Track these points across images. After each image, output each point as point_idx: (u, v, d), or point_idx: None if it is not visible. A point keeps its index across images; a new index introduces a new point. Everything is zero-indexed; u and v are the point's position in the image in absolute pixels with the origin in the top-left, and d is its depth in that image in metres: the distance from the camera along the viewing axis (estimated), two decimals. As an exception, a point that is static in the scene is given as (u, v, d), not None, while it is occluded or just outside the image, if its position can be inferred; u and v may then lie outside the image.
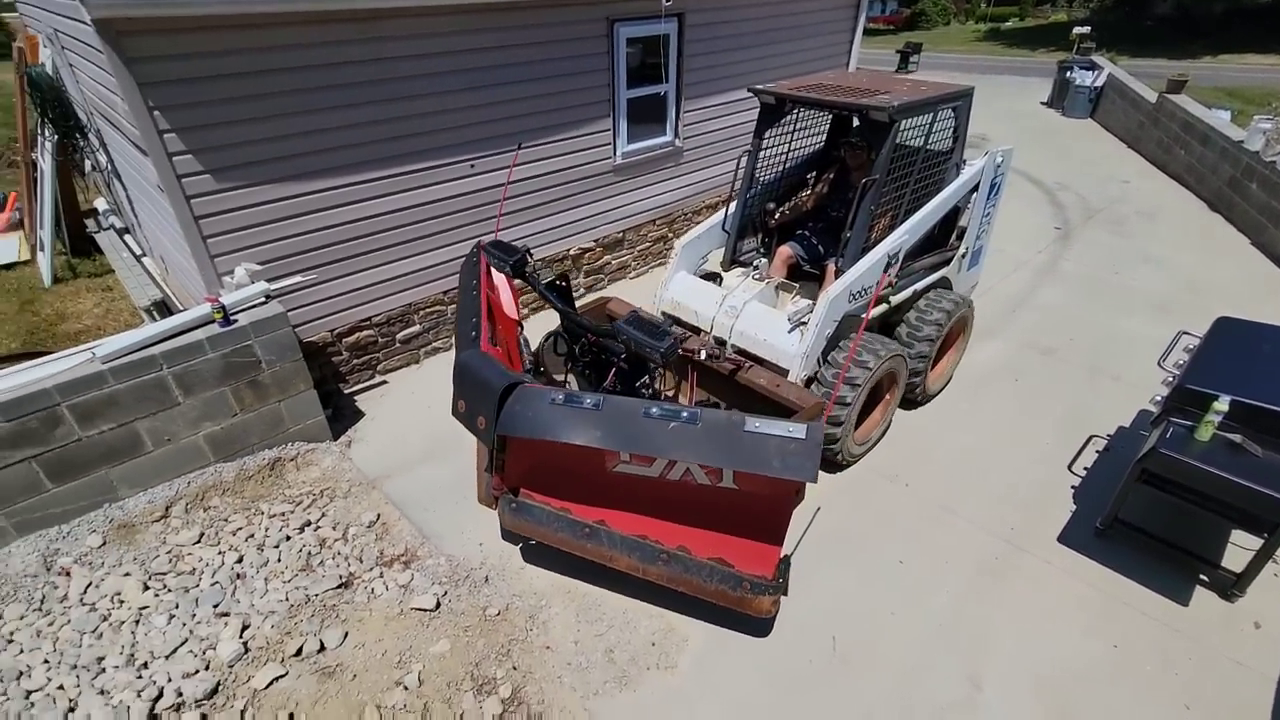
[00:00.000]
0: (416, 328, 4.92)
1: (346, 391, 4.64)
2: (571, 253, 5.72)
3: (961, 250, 4.39)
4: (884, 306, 3.91)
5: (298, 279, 4.00)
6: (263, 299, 3.70)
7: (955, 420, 4.31)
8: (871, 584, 3.18)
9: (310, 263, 4.13)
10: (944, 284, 4.40)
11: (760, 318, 3.73)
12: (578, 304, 4.11)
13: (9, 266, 6.58)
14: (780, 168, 4.41)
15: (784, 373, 3.56)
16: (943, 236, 4.38)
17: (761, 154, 4.21)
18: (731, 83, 6.14)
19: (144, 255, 5.99)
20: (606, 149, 5.48)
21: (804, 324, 3.51)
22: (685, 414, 2.47)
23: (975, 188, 4.21)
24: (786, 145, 4.37)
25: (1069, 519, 3.52)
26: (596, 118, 5.27)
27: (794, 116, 4.26)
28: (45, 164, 6.03)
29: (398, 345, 4.87)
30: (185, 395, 3.47)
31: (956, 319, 4.17)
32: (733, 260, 4.35)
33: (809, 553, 3.31)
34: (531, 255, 3.55)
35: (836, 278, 3.61)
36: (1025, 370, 4.81)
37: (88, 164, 6.05)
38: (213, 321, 3.48)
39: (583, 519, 2.88)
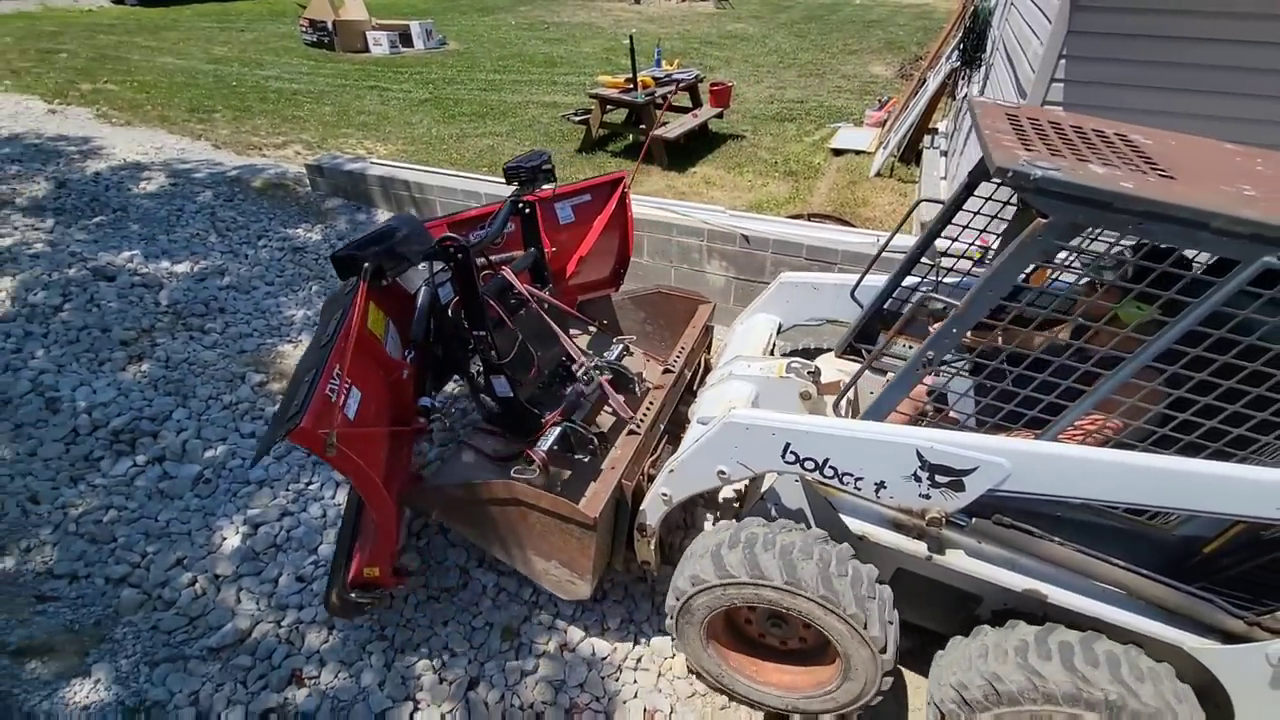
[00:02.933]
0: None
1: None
2: None
3: None
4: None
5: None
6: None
7: None
8: None
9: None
10: (1171, 655, 1.91)
11: (718, 400, 2.63)
12: None
13: (858, 152, 8.44)
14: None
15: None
16: None
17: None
18: None
19: (944, 178, 6.76)
20: None
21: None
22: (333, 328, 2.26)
23: None
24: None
25: None
26: None
27: None
28: (932, 84, 7.19)
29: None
30: (909, 304, 3.97)
31: None
32: (850, 348, 2.94)
33: None
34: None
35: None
36: None
37: (961, 91, 6.91)
38: (973, 259, 3.73)
39: None
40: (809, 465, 2.08)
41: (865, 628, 2.07)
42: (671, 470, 2.35)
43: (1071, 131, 1.93)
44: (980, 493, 1.89)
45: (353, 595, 2.43)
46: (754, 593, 2.16)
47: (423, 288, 2.68)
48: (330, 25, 12.17)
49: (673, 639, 2.53)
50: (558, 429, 2.80)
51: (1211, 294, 1.56)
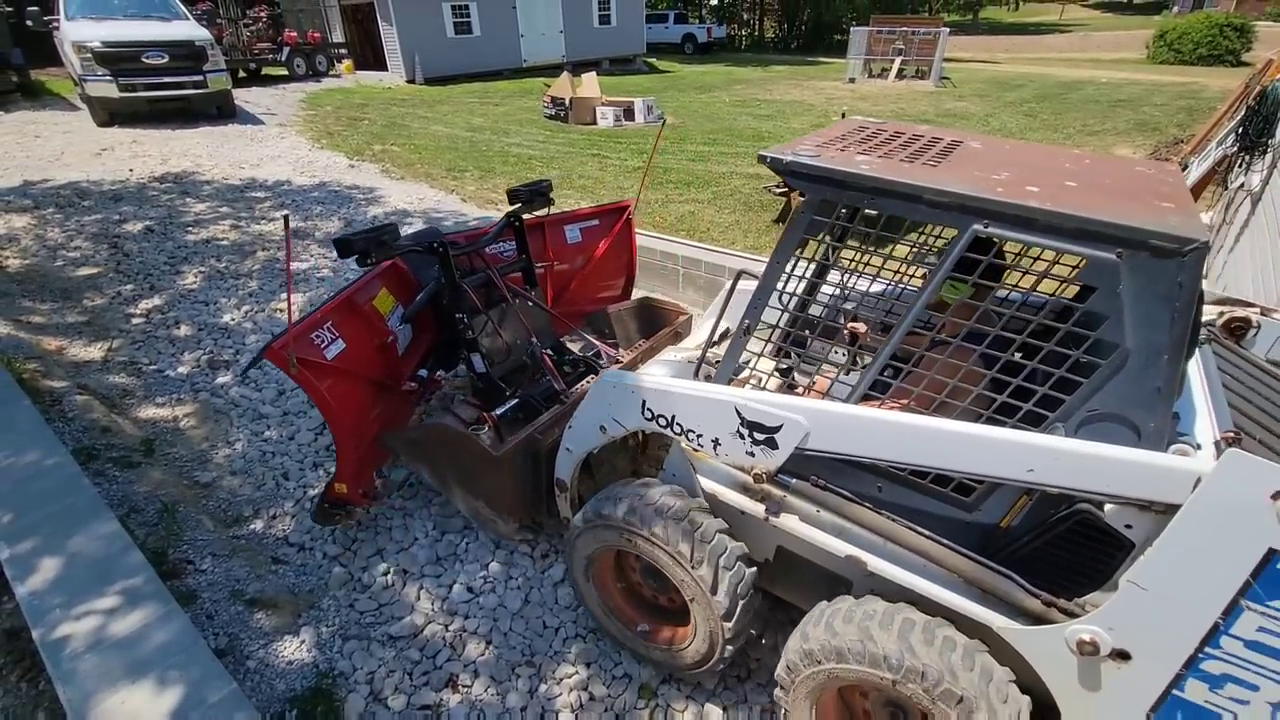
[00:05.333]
0: None
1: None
2: None
3: None
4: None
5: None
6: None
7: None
8: None
9: None
10: (983, 635, 1.96)
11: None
12: None
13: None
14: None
15: None
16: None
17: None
18: None
19: (1204, 276, 5.79)
20: None
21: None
22: None
23: None
24: None
25: None
26: None
27: None
28: (1196, 170, 6.29)
29: None
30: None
31: None
32: (779, 349, 2.67)
33: None
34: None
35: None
36: None
37: (1236, 181, 5.97)
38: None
39: None
40: (662, 421, 2.36)
41: (694, 566, 2.26)
42: (570, 426, 2.70)
43: (903, 137, 2.23)
44: (791, 449, 2.10)
45: (328, 506, 3.16)
46: (605, 533, 2.49)
47: (432, 281, 3.40)
48: (568, 101, 13.82)
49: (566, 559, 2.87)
50: (516, 400, 3.33)
51: (943, 262, 1.79)
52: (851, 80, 20.49)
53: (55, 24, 11.74)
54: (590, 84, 14.24)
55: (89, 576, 2.69)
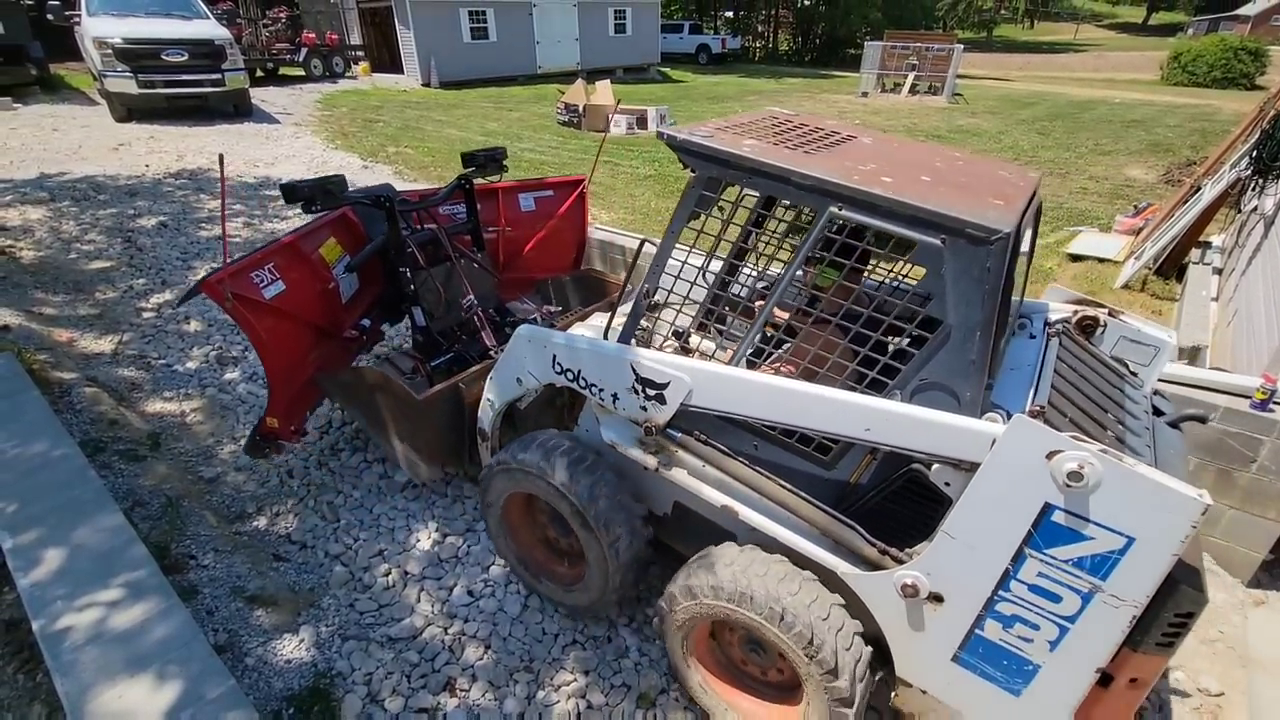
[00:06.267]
0: None
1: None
2: None
3: None
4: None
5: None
6: (1327, 410, 3.01)
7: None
8: None
9: None
10: (828, 578, 2.26)
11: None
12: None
13: (1102, 260, 7.54)
14: None
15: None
16: None
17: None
18: None
19: (1215, 299, 5.74)
20: None
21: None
22: None
23: None
24: None
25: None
26: None
27: None
28: (1209, 192, 6.26)
29: None
30: (1155, 440, 3.37)
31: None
32: (701, 324, 2.64)
33: None
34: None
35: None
36: None
37: (1250, 204, 5.94)
38: (1249, 398, 3.11)
39: None
40: (569, 376, 2.53)
41: (577, 496, 2.48)
42: (491, 378, 2.90)
43: (803, 130, 2.43)
44: (677, 404, 2.28)
45: (259, 439, 3.30)
46: (510, 476, 2.70)
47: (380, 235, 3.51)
48: (581, 108, 13.89)
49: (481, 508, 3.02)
50: (451, 353, 3.51)
51: (805, 242, 1.99)
52: (864, 94, 20.52)
53: (76, 19, 11.88)
54: (604, 92, 14.31)
55: (92, 569, 2.70)
